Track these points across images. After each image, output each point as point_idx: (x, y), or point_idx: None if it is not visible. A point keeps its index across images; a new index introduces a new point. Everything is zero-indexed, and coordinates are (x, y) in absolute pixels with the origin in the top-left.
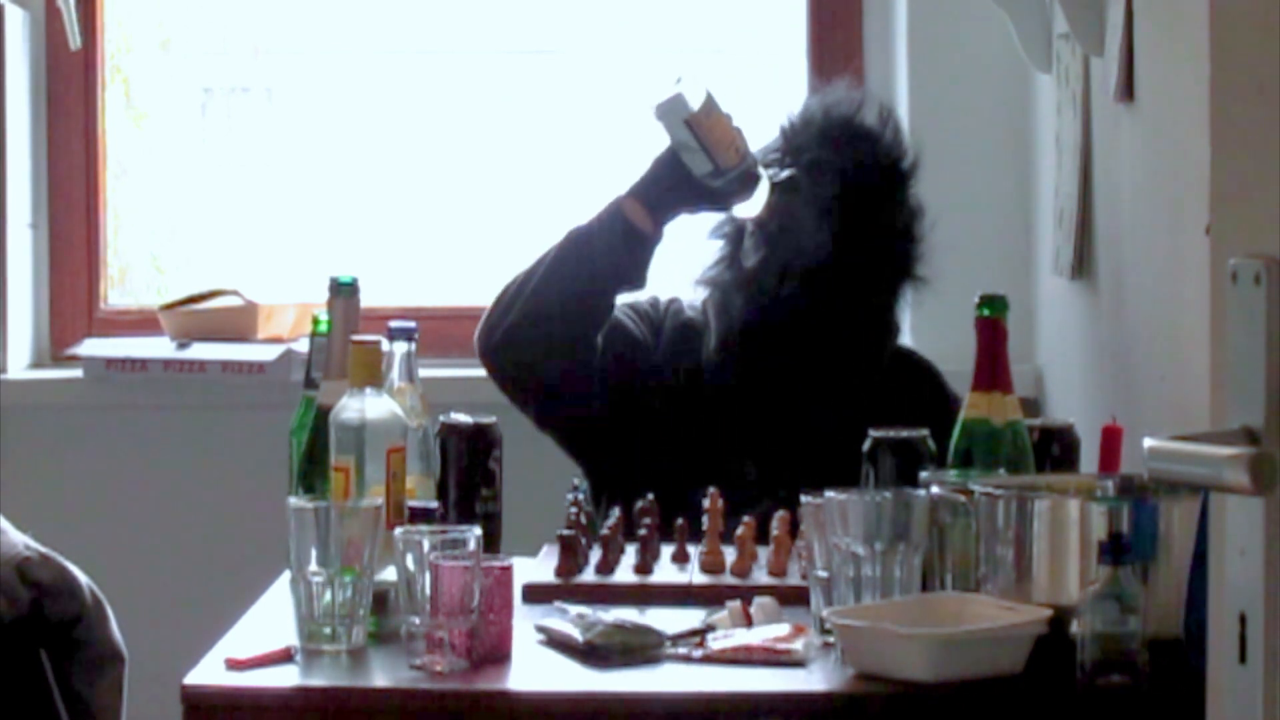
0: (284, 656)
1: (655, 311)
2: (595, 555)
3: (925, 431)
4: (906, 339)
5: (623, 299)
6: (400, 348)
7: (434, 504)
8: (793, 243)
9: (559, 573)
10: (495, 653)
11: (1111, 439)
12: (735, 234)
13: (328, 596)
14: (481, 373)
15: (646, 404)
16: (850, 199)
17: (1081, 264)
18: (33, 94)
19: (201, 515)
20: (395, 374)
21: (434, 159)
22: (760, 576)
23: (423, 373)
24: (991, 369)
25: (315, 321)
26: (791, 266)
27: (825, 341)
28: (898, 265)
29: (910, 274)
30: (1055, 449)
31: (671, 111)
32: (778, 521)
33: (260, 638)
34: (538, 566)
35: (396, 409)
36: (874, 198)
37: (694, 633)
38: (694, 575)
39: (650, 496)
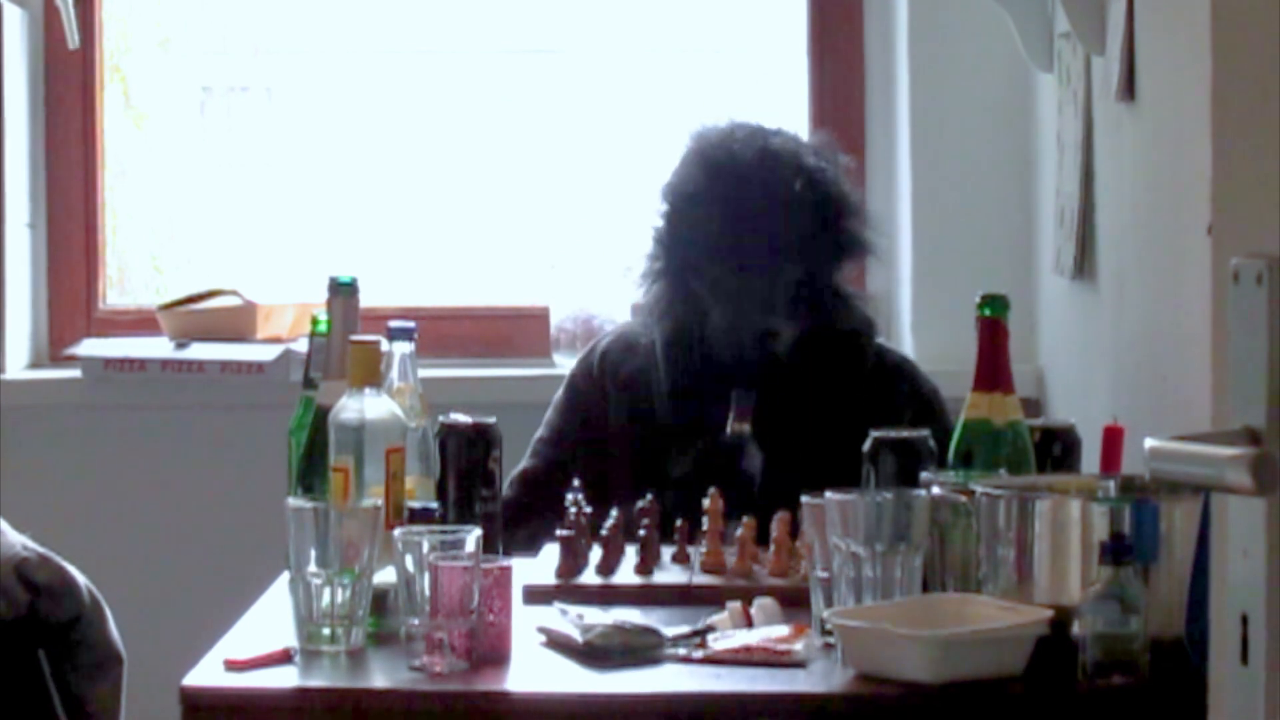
0: (283, 657)
1: (590, 380)
2: (595, 556)
3: (926, 432)
4: (907, 339)
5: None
6: (400, 348)
7: (434, 504)
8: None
9: (559, 573)
10: (495, 653)
11: (1113, 439)
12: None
13: (327, 597)
14: (482, 372)
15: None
16: (758, 226)
17: (1083, 264)
18: (31, 94)
19: (201, 515)
20: (395, 374)
21: (434, 159)
22: (761, 577)
23: (423, 373)
24: (993, 369)
25: (315, 321)
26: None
27: (803, 353)
28: (836, 252)
29: (852, 250)
30: (1056, 449)
31: None
32: (778, 522)
33: (259, 638)
34: (538, 567)
35: (396, 409)
36: (778, 211)
37: (694, 633)
38: (694, 576)
39: (650, 496)
